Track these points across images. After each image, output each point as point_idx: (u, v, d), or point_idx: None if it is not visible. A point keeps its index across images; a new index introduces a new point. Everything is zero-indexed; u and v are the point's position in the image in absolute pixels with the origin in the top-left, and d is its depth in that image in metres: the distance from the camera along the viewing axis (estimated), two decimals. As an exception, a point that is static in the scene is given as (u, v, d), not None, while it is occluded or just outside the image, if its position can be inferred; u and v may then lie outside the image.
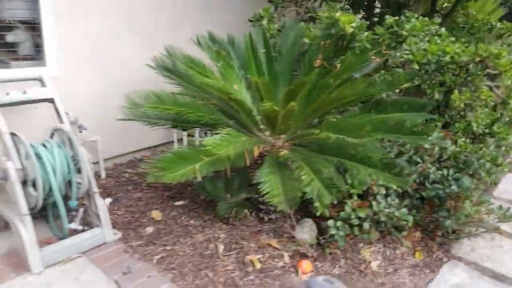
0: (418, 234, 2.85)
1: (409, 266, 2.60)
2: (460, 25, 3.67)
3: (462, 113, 3.19)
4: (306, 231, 2.72)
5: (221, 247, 2.60)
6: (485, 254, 2.76)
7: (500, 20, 3.81)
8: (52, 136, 2.64)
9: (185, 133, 3.85)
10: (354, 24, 2.39)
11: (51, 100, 2.62)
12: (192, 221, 2.88)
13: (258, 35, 2.76)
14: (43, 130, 2.64)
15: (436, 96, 2.75)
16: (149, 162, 2.28)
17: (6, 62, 2.90)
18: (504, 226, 3.00)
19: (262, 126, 2.42)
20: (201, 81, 2.08)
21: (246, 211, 2.73)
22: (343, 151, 2.36)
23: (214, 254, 2.55)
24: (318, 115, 2.43)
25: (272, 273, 2.42)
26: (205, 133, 3.34)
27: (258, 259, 2.50)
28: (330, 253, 2.60)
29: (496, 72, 2.49)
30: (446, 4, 3.93)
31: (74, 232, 2.58)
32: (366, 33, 2.58)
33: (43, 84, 2.65)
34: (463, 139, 2.91)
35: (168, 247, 2.59)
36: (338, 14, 2.39)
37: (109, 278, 2.31)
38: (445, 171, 2.78)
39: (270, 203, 2.73)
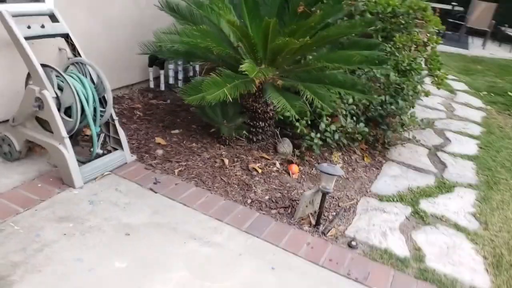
0: (364, 145, 3.79)
1: (362, 166, 3.53)
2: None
3: (389, 54, 4.12)
4: (286, 147, 3.46)
5: (226, 161, 3.20)
6: (408, 157, 3.84)
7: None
8: (66, 69, 2.85)
9: (161, 71, 4.20)
10: (330, -22, 3.04)
11: (66, 35, 2.82)
12: (194, 144, 3.40)
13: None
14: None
15: (379, 39, 3.60)
16: (184, 87, 2.70)
17: (1, -3, 2.91)
18: (419, 137, 4.14)
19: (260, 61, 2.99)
20: (225, 18, 2.53)
21: (244, 132, 3.34)
22: (321, 79, 3.09)
23: (222, 166, 3.15)
24: (306, 51, 3.07)
25: (271, 175, 3.13)
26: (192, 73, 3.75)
27: (258, 166, 3.18)
28: (307, 160, 3.40)
29: (423, 21, 3.40)
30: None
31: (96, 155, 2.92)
32: (334, -14, 3.25)
33: (54, 19, 2.80)
34: (394, 73, 3.84)
35: (183, 163, 3.11)
36: (319, -31, 3.00)
37: (144, 187, 2.78)
38: (383, 97, 3.71)
39: (257, 127, 3.41)
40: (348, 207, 2.91)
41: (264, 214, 2.69)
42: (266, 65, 2.99)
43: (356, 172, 3.41)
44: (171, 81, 4.37)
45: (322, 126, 3.31)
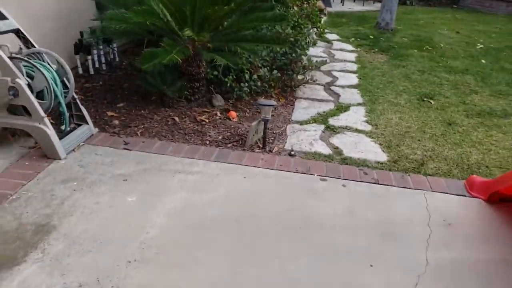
0: (277, 90, 4.70)
1: (280, 105, 4.43)
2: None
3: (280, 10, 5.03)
4: (219, 100, 4.20)
5: (176, 118, 3.82)
6: (311, 93, 4.87)
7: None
8: (21, 60, 3.13)
9: (89, 57, 4.52)
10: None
11: (17, 30, 3.09)
12: (142, 111, 3.92)
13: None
14: None
15: (273, 2, 4.47)
16: (139, 56, 3.21)
17: None
18: (314, 79, 5.20)
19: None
20: None
21: (186, 92, 3.97)
22: (240, 38, 3.85)
23: (174, 123, 3.76)
24: (226, 18, 3.77)
25: (216, 122, 3.85)
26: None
27: (204, 118, 3.87)
28: (239, 107, 4.19)
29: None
30: None
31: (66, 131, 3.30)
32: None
33: (3, 17, 3.04)
34: (289, 28, 4.78)
35: (141, 126, 3.65)
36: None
37: (117, 148, 3.28)
38: (284, 49, 4.64)
39: (193, 88, 4.06)
40: (280, 132, 3.79)
41: (223, 148, 3.43)
42: (196, 32, 3.64)
43: (277, 110, 4.31)
44: (97, 65, 4.70)
45: (247, 77, 4.11)
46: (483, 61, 6.40)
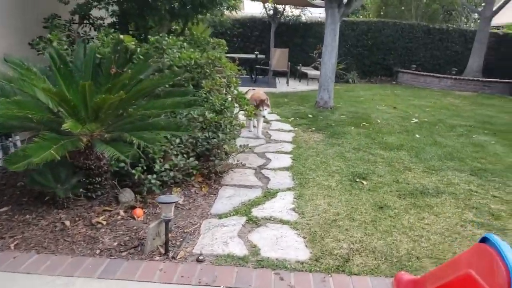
0: (200, 178, 4.26)
1: (201, 196, 3.96)
2: (188, 40, 5.32)
3: (205, 95, 4.81)
4: (127, 196, 3.67)
5: (67, 222, 3.23)
6: (239, 179, 4.46)
7: (211, 36, 5.73)
8: None
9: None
10: (133, 43, 3.50)
11: None
12: (28, 216, 3.30)
13: (53, 54, 3.45)
14: None
15: (190, 87, 4.22)
16: (7, 157, 2.68)
17: None
18: (246, 162, 4.84)
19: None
20: (40, 87, 2.68)
21: (81, 190, 3.42)
22: (146, 127, 3.47)
23: (64, 228, 3.16)
24: (126, 105, 3.40)
25: (116, 223, 3.28)
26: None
27: (102, 219, 3.30)
28: (150, 202, 3.67)
29: (220, 68, 4.15)
30: (175, 26, 5.56)
31: None
32: (139, 49, 3.74)
33: None
34: (211, 113, 4.50)
35: (18, 236, 3.02)
36: (122, 36, 3.43)
37: (-24, 270, 2.62)
38: (206, 134, 4.30)
39: (94, 183, 3.55)
40: (192, 231, 3.27)
41: (115, 258, 2.83)
42: (90, 122, 3.22)
43: (196, 202, 3.82)
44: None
45: (157, 167, 3.66)
46: (417, 135, 6.37)
